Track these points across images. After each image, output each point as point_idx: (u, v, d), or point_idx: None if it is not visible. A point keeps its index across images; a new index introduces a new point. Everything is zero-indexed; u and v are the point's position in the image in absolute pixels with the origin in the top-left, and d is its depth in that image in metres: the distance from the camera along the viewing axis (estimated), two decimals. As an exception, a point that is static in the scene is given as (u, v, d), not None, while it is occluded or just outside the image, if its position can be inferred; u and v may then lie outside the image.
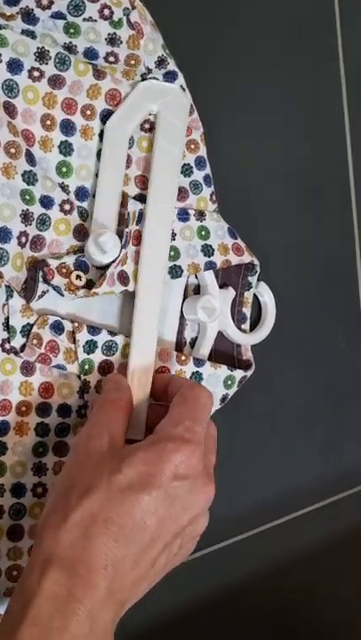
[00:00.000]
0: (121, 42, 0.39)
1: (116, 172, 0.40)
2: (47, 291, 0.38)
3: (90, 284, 0.39)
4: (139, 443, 0.33)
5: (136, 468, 0.31)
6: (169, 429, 0.34)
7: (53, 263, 0.38)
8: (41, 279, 0.37)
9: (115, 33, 0.38)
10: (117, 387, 0.38)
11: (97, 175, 0.40)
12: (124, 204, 0.40)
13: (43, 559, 0.29)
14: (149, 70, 0.41)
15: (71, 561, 0.29)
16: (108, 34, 0.38)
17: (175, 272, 0.42)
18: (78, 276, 0.39)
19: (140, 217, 0.40)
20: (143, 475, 0.31)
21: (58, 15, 0.36)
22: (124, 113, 0.40)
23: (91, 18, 0.37)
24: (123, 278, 0.40)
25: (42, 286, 0.38)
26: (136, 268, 0.40)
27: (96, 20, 0.37)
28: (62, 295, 0.38)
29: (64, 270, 0.38)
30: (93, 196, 0.40)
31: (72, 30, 0.37)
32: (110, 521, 0.30)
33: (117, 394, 0.37)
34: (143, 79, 0.41)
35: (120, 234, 0.39)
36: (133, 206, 0.40)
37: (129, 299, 0.42)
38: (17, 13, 0.36)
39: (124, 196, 0.40)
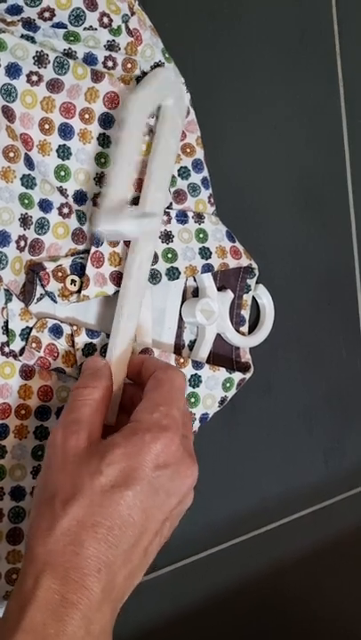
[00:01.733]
0: (119, 48, 0.39)
1: (131, 156, 0.39)
2: (45, 294, 0.38)
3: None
4: (116, 435, 0.33)
5: (117, 465, 0.31)
6: (145, 417, 0.33)
7: (50, 266, 0.38)
8: (38, 282, 0.37)
9: (113, 40, 0.38)
10: (95, 373, 0.36)
11: (95, 179, 0.40)
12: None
13: (36, 567, 0.30)
14: (145, 74, 0.41)
15: (64, 567, 0.29)
16: (107, 41, 0.38)
17: (172, 274, 0.42)
18: (73, 281, 0.39)
19: None
20: (125, 470, 0.31)
21: (59, 25, 0.37)
22: (149, 92, 0.39)
23: (91, 27, 0.37)
24: (117, 279, 0.40)
25: (40, 289, 0.38)
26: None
27: (96, 29, 0.37)
28: (55, 302, 0.38)
29: (60, 274, 0.38)
30: (92, 199, 0.40)
31: (72, 38, 0.38)
32: (98, 524, 0.30)
33: (94, 381, 0.36)
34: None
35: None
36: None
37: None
38: (18, 21, 0.36)
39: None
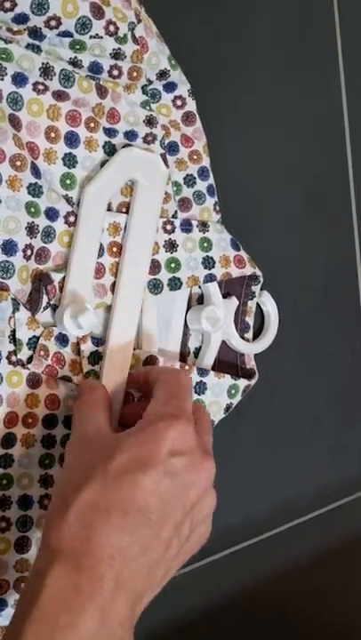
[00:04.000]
0: (125, 57, 0.39)
1: (91, 240, 0.39)
2: (49, 305, 0.38)
3: None
4: (128, 429, 0.33)
5: (129, 451, 0.31)
6: (157, 410, 0.33)
7: (57, 277, 0.38)
8: (45, 293, 0.37)
9: (119, 48, 0.38)
10: (89, 387, 0.38)
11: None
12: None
13: (47, 554, 0.29)
14: (150, 82, 0.41)
15: (75, 554, 0.28)
16: (113, 49, 0.38)
17: (174, 284, 0.42)
18: None
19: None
20: (139, 456, 0.30)
21: (65, 34, 0.37)
22: (103, 181, 0.39)
23: (97, 35, 0.37)
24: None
25: (46, 298, 0.38)
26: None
27: (102, 37, 0.37)
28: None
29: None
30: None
31: (78, 46, 0.37)
32: (112, 509, 0.29)
33: (90, 394, 0.37)
34: (143, 92, 0.41)
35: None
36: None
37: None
38: (24, 30, 0.36)
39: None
